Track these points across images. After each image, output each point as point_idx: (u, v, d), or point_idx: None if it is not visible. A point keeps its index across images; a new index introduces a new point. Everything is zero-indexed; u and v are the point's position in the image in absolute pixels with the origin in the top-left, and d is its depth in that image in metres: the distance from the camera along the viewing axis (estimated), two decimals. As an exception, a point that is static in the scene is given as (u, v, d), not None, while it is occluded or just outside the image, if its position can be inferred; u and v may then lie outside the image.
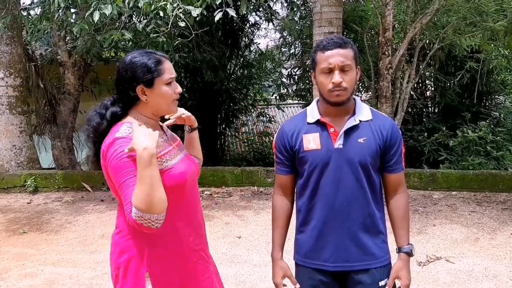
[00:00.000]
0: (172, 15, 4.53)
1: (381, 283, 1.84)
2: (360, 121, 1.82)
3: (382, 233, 1.88)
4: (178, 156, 1.73)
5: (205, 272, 1.79)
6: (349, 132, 1.81)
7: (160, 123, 1.83)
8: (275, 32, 11.28)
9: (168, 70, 1.67)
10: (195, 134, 2.03)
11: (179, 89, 1.72)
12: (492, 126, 8.29)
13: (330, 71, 1.75)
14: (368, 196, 1.82)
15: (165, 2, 4.48)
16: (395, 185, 1.90)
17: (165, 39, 5.48)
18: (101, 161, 1.64)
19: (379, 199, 1.89)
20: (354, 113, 1.84)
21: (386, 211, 1.92)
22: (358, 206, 1.81)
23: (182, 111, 1.90)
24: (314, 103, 1.91)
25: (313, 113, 1.87)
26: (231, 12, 4.29)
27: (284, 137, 1.91)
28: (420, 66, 7.94)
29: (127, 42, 5.91)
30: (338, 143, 1.80)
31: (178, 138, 1.89)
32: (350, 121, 1.82)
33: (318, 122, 1.85)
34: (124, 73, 1.64)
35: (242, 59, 10.60)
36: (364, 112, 1.85)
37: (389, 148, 1.84)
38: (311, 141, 1.83)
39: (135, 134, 1.54)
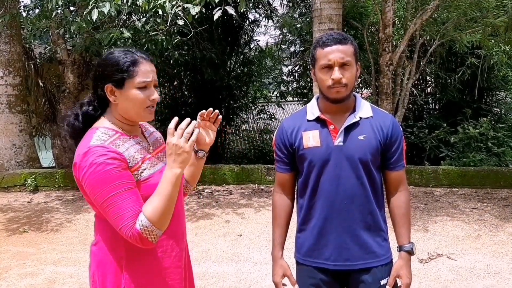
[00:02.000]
0: (171, 13, 4.51)
1: (383, 281, 1.82)
2: (360, 118, 1.80)
3: (383, 231, 1.86)
4: (158, 165, 1.59)
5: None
6: (349, 129, 1.79)
7: (141, 123, 1.69)
8: (274, 29, 11.21)
9: (144, 73, 1.51)
10: (203, 161, 1.85)
11: (155, 96, 1.53)
12: (493, 122, 8.27)
13: (330, 67, 1.73)
14: (368, 194, 1.80)
15: (163, 0, 4.46)
16: (396, 183, 1.88)
17: (164, 37, 5.46)
18: (73, 171, 1.49)
19: (380, 196, 1.87)
20: (354, 110, 1.82)
21: (387, 209, 1.91)
22: (359, 203, 1.79)
23: (212, 129, 1.74)
24: (314, 100, 1.89)
25: (313, 110, 1.85)
26: (230, 10, 4.27)
27: (283, 134, 1.89)
28: (421, 63, 7.91)
29: (126, 40, 5.88)
30: (338, 140, 1.78)
31: (164, 143, 1.73)
32: (350, 118, 1.80)
33: (318, 119, 1.83)
34: (97, 69, 1.53)
35: (242, 57, 10.56)
36: (364, 109, 1.83)
37: (390, 146, 1.82)
38: (311, 139, 1.81)
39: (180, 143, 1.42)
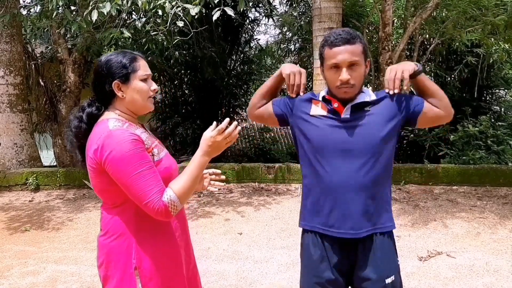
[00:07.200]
0: (171, 13, 4.53)
1: (388, 280, 1.82)
2: (368, 98, 1.83)
3: (387, 201, 1.88)
4: (163, 151, 1.77)
5: (188, 266, 1.81)
6: (357, 105, 1.82)
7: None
8: (274, 28, 11.25)
9: (143, 67, 1.71)
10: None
11: (155, 86, 1.75)
12: (492, 120, 8.28)
13: (338, 67, 1.75)
14: (376, 164, 1.80)
15: (164, 0, 4.48)
16: (432, 110, 1.84)
17: (164, 37, 5.48)
18: (91, 157, 1.59)
19: (388, 167, 1.87)
20: (361, 91, 1.86)
21: (391, 191, 1.91)
22: (365, 172, 1.79)
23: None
24: (323, 91, 1.93)
25: (322, 93, 1.90)
26: (229, 11, 4.28)
27: (294, 98, 1.95)
28: (420, 61, 7.92)
29: (127, 40, 5.90)
30: (345, 114, 1.81)
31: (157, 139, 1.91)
32: (360, 97, 1.82)
33: (324, 99, 1.87)
34: (100, 70, 1.68)
35: (242, 55, 10.58)
36: (370, 93, 1.87)
37: (401, 106, 1.83)
38: (319, 108, 1.86)
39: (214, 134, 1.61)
